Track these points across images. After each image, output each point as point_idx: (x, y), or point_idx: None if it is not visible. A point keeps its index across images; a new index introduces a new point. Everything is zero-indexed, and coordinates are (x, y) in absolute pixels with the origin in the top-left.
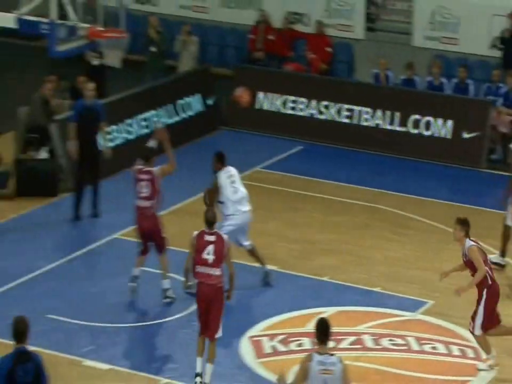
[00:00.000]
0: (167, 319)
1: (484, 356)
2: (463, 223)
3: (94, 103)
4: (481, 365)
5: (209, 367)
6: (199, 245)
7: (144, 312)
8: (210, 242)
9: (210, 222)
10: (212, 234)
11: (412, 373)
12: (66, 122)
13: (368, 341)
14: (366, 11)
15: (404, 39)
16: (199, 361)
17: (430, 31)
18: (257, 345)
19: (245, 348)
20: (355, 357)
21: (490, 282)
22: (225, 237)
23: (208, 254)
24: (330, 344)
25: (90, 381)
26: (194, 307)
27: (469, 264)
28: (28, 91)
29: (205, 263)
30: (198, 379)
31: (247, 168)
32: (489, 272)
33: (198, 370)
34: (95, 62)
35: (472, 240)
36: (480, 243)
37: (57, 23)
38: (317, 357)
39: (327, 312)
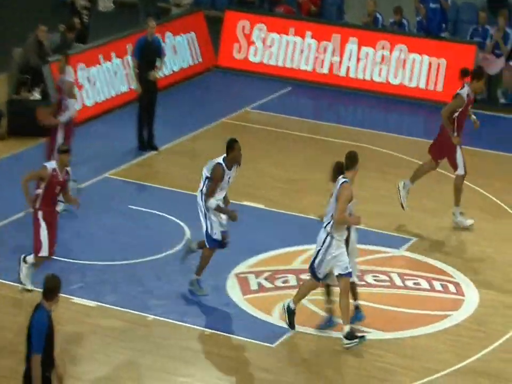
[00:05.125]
0: (154, 257)
1: None
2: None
3: (155, 39)
4: None
5: None
6: None
7: (131, 250)
8: None
9: None
10: None
11: (394, 308)
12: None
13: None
14: None
15: None
16: None
17: None
18: (243, 282)
19: (232, 284)
20: (337, 293)
21: None
22: None
23: None
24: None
25: (78, 318)
26: (180, 246)
27: None
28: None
29: None
30: None
31: (237, 109)
32: None
33: None
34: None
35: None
36: None
37: None
38: None
39: (312, 249)
